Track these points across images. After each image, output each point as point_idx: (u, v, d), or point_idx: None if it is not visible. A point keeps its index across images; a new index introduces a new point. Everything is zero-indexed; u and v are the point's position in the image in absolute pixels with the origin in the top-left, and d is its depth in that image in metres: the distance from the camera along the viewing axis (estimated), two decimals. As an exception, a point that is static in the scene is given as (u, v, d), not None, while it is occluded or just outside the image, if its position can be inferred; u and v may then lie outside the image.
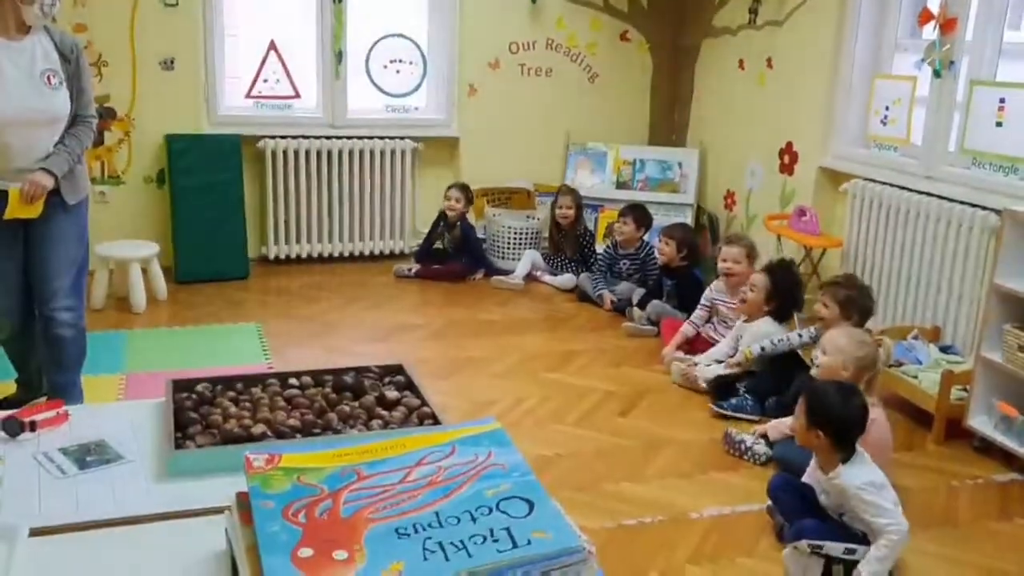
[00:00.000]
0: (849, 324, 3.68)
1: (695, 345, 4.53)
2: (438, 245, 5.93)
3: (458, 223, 5.83)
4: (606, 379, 4.28)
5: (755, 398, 3.90)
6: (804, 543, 2.66)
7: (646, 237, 5.47)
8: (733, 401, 3.90)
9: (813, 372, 3.41)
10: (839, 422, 2.73)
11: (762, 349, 3.99)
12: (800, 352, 4.02)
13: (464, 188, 5.84)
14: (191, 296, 5.19)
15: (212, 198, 5.42)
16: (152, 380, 3.97)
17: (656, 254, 5.25)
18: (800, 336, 3.98)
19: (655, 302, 4.98)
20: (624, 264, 5.45)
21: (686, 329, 4.58)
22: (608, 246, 5.58)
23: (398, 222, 6.09)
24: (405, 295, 5.48)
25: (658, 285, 5.16)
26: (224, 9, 5.58)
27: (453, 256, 5.87)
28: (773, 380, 3.90)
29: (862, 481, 2.67)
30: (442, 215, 5.87)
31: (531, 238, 6.01)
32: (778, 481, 3.04)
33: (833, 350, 3.31)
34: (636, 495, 3.22)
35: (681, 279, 5.02)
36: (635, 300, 5.16)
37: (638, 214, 5.43)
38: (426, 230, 5.98)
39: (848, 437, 2.75)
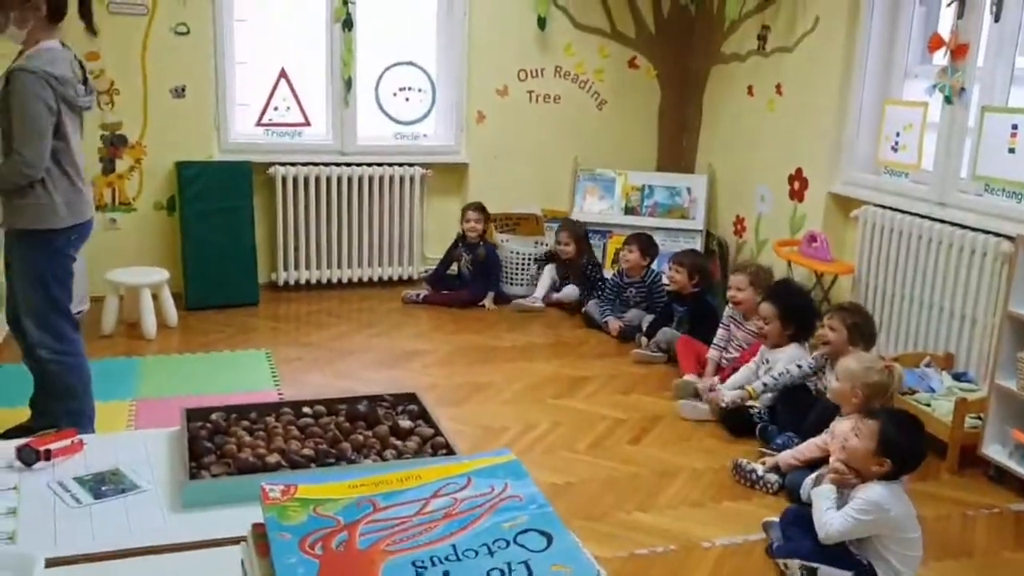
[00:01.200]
0: (853, 348, 3.69)
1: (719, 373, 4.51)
2: (452, 270, 5.93)
3: (480, 243, 5.83)
4: (616, 406, 4.26)
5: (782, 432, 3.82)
6: (796, 563, 2.67)
7: (654, 265, 5.46)
8: (779, 441, 3.73)
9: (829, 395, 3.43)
10: (910, 456, 2.78)
11: (764, 386, 3.96)
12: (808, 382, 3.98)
13: (481, 208, 5.85)
14: (201, 322, 5.20)
15: (222, 224, 5.44)
16: (162, 406, 3.98)
17: (664, 280, 5.24)
18: (800, 367, 3.92)
19: (665, 329, 4.97)
20: (631, 292, 5.44)
21: (712, 355, 4.56)
22: (615, 274, 5.57)
23: (407, 248, 6.09)
24: (414, 321, 5.48)
25: (667, 312, 5.14)
26: (235, 37, 5.62)
27: (468, 280, 5.88)
28: (790, 414, 3.84)
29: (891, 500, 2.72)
30: (460, 238, 5.88)
31: (540, 264, 6.01)
32: (792, 515, 3.02)
33: (845, 376, 3.31)
34: (648, 524, 3.20)
35: (693, 305, 5.00)
36: (644, 327, 5.15)
37: (643, 243, 5.42)
38: (434, 256, 5.99)
39: (907, 471, 2.81)
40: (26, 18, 3.14)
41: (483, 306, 5.80)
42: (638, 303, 5.41)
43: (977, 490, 3.55)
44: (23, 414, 3.56)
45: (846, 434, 2.89)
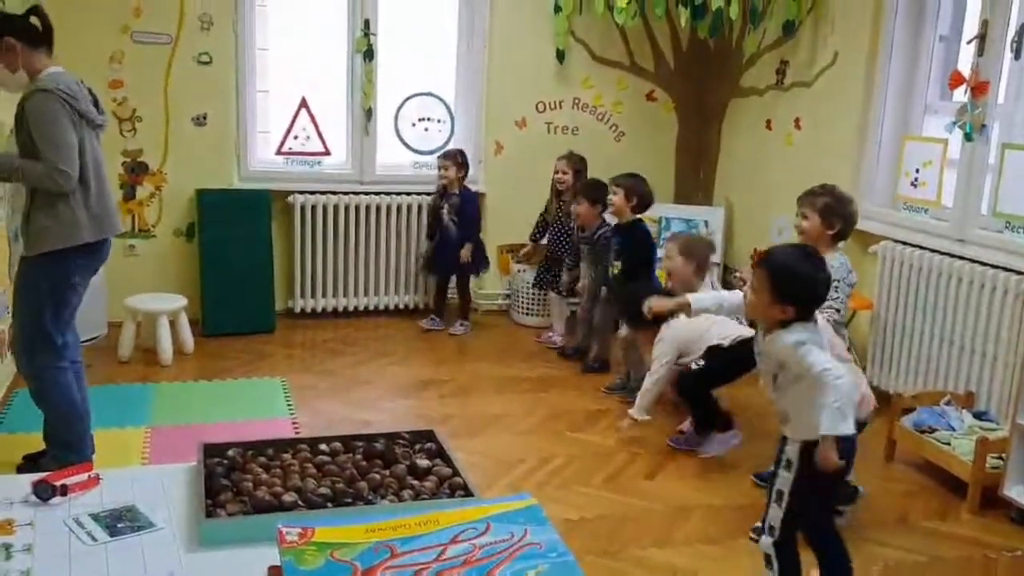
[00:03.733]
0: (831, 235, 3.57)
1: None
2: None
3: (457, 192, 5.69)
4: (632, 440, 4.23)
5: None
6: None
7: (607, 217, 5.18)
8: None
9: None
10: (809, 286, 2.54)
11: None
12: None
13: (451, 155, 5.69)
14: (218, 349, 5.21)
15: (241, 252, 5.46)
16: (177, 434, 3.98)
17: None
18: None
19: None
20: (584, 249, 5.25)
21: (695, 298, 4.32)
22: (574, 231, 5.39)
23: (424, 277, 6.10)
24: (430, 349, 5.47)
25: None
26: (256, 66, 5.67)
27: (454, 234, 5.69)
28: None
29: (796, 338, 2.50)
30: (441, 189, 5.78)
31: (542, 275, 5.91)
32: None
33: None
34: (663, 561, 3.17)
35: (630, 234, 4.79)
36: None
37: (589, 191, 5.18)
38: (450, 286, 5.96)
39: (815, 305, 2.60)
40: (8, 59, 3.19)
41: (468, 258, 5.69)
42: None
43: (999, 532, 3.50)
44: (37, 440, 3.57)
45: (743, 291, 2.72)
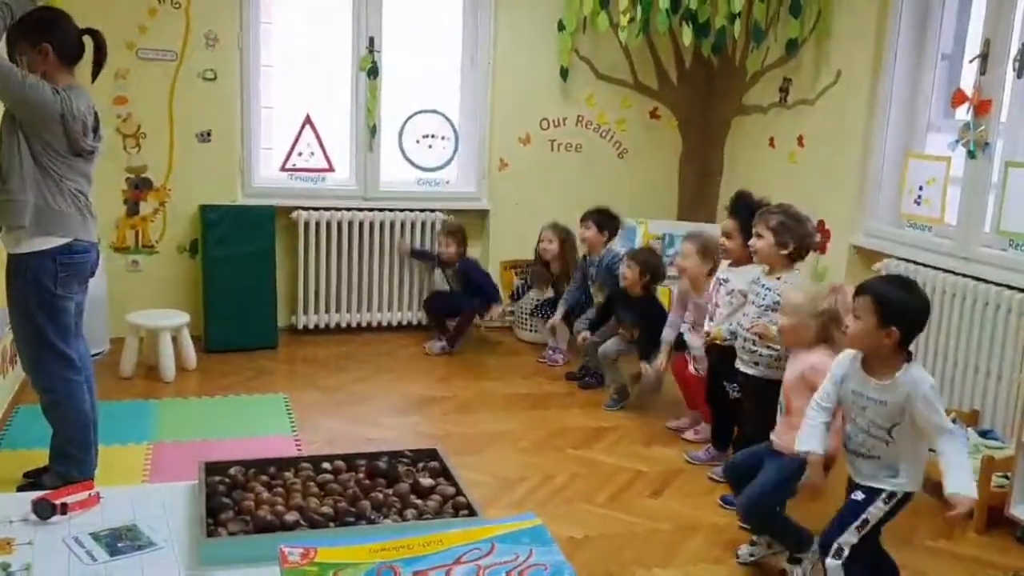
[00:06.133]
0: (786, 254, 3.55)
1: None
2: (443, 288, 5.96)
3: (455, 263, 5.75)
4: (636, 458, 4.22)
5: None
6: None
7: (615, 246, 5.27)
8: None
9: (776, 336, 3.35)
10: (915, 315, 2.63)
11: (732, 335, 3.74)
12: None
13: (452, 231, 5.74)
14: (220, 365, 5.20)
15: (244, 268, 5.46)
16: (179, 451, 3.97)
17: (620, 258, 5.06)
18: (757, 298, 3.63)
19: (606, 346, 4.82)
20: (592, 272, 5.26)
21: (667, 334, 4.48)
22: (581, 258, 5.43)
23: (427, 293, 6.09)
24: (432, 367, 5.46)
25: (607, 308, 5.01)
26: (261, 83, 5.69)
27: (460, 295, 5.78)
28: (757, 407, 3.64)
29: (930, 383, 2.59)
30: (438, 258, 5.86)
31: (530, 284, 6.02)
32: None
33: (791, 311, 3.16)
34: (668, 581, 3.15)
35: (641, 308, 4.77)
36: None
37: (599, 217, 5.23)
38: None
39: (916, 333, 2.67)
40: (36, 61, 3.18)
41: (491, 316, 5.79)
42: (601, 284, 5.20)
43: (1005, 552, 3.47)
44: (39, 456, 3.56)
45: (846, 310, 2.77)
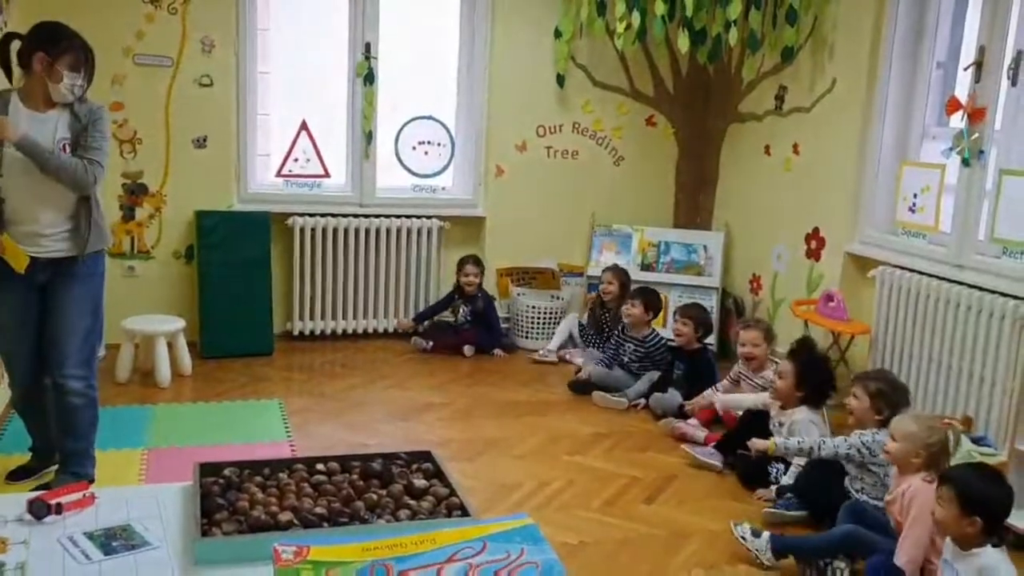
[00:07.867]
0: (879, 420, 3.61)
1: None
2: (448, 318, 5.99)
3: (478, 296, 5.86)
4: (631, 464, 4.22)
5: (798, 497, 3.73)
6: None
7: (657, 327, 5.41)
8: (781, 503, 3.73)
9: (882, 458, 3.41)
10: (998, 505, 2.73)
11: (787, 449, 3.78)
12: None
13: (478, 261, 5.92)
14: (216, 371, 5.19)
15: (240, 274, 5.46)
16: (174, 456, 3.97)
17: (663, 341, 5.23)
18: (838, 447, 3.65)
19: (658, 395, 4.91)
20: (629, 347, 5.27)
21: (708, 392, 4.68)
22: (619, 329, 5.44)
23: (423, 300, 6.10)
24: (428, 373, 5.46)
25: (667, 376, 5.06)
26: (257, 89, 5.70)
27: (466, 330, 5.88)
28: (818, 481, 3.72)
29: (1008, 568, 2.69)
30: (457, 290, 5.92)
31: (555, 318, 6.01)
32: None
33: (903, 436, 3.22)
34: (662, 587, 3.15)
35: (695, 361, 4.99)
36: (639, 386, 5.09)
37: (648, 298, 5.30)
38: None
39: (1002, 520, 2.76)
40: (53, 75, 3.22)
41: (495, 354, 5.86)
42: (632, 362, 5.23)
43: (999, 558, 3.48)
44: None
45: (929, 506, 2.87)
